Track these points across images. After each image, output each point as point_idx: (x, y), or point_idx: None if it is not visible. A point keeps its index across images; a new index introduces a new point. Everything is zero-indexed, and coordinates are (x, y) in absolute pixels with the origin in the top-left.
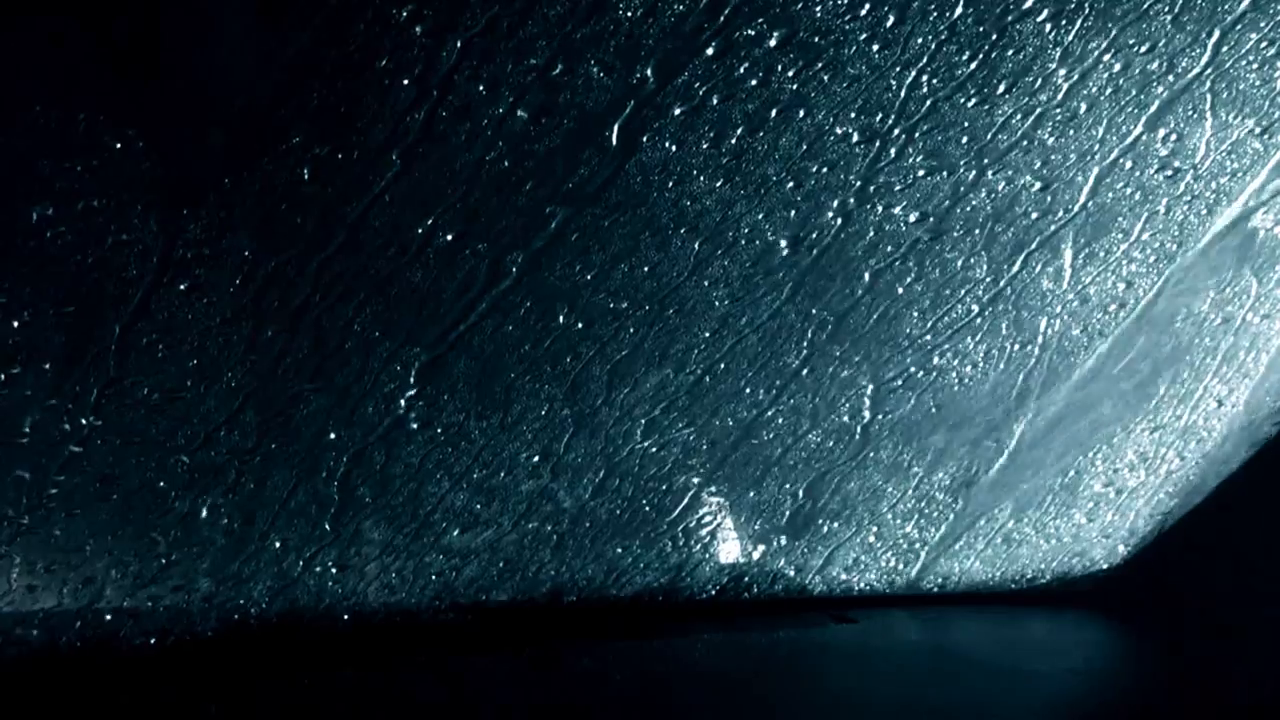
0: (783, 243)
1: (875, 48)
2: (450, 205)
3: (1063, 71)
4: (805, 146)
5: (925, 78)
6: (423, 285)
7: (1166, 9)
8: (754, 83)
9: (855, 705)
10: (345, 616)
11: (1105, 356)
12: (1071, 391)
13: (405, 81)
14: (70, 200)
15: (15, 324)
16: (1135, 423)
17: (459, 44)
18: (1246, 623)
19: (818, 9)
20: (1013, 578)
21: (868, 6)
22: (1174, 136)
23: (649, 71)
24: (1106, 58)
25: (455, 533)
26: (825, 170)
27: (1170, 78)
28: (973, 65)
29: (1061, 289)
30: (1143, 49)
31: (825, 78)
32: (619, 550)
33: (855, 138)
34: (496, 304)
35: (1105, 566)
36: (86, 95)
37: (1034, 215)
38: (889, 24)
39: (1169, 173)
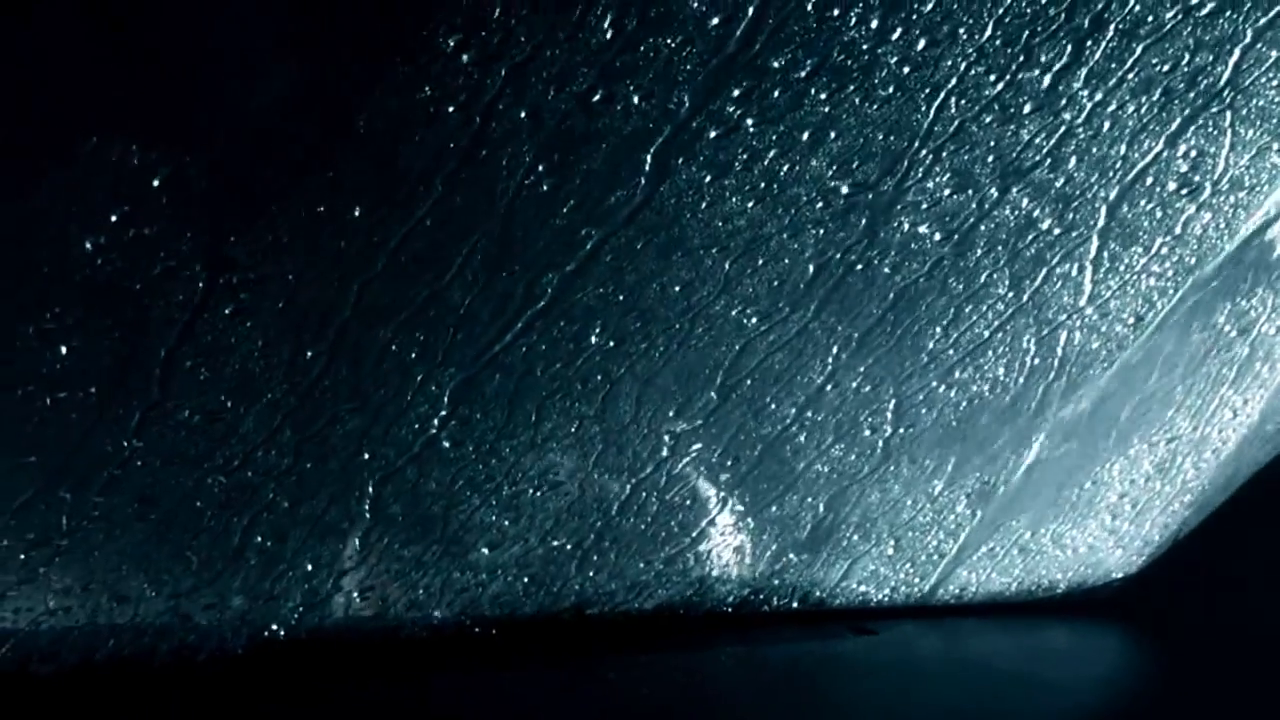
0: (810, 262)
1: (905, 70)
2: (488, 229)
3: (1086, 91)
4: (834, 168)
5: (953, 99)
6: (460, 307)
7: (1188, 29)
8: (786, 107)
9: (875, 717)
10: (374, 632)
11: (1123, 369)
12: (1090, 404)
13: (450, 109)
14: (120, 229)
15: (63, 349)
16: (1152, 434)
17: (504, 72)
18: (1263, 631)
19: (849, 34)
20: (1031, 588)
21: (899, 32)
22: (1194, 152)
23: (685, 97)
24: (1130, 76)
25: (483, 549)
26: (853, 191)
27: (1191, 95)
28: (999, 86)
29: (1081, 303)
30: (1165, 67)
31: (856, 100)
32: (643, 565)
33: (883, 159)
34: (531, 324)
35: (1122, 576)
36: (134, 124)
37: (1056, 231)
38: (919, 48)
39: (1189, 188)
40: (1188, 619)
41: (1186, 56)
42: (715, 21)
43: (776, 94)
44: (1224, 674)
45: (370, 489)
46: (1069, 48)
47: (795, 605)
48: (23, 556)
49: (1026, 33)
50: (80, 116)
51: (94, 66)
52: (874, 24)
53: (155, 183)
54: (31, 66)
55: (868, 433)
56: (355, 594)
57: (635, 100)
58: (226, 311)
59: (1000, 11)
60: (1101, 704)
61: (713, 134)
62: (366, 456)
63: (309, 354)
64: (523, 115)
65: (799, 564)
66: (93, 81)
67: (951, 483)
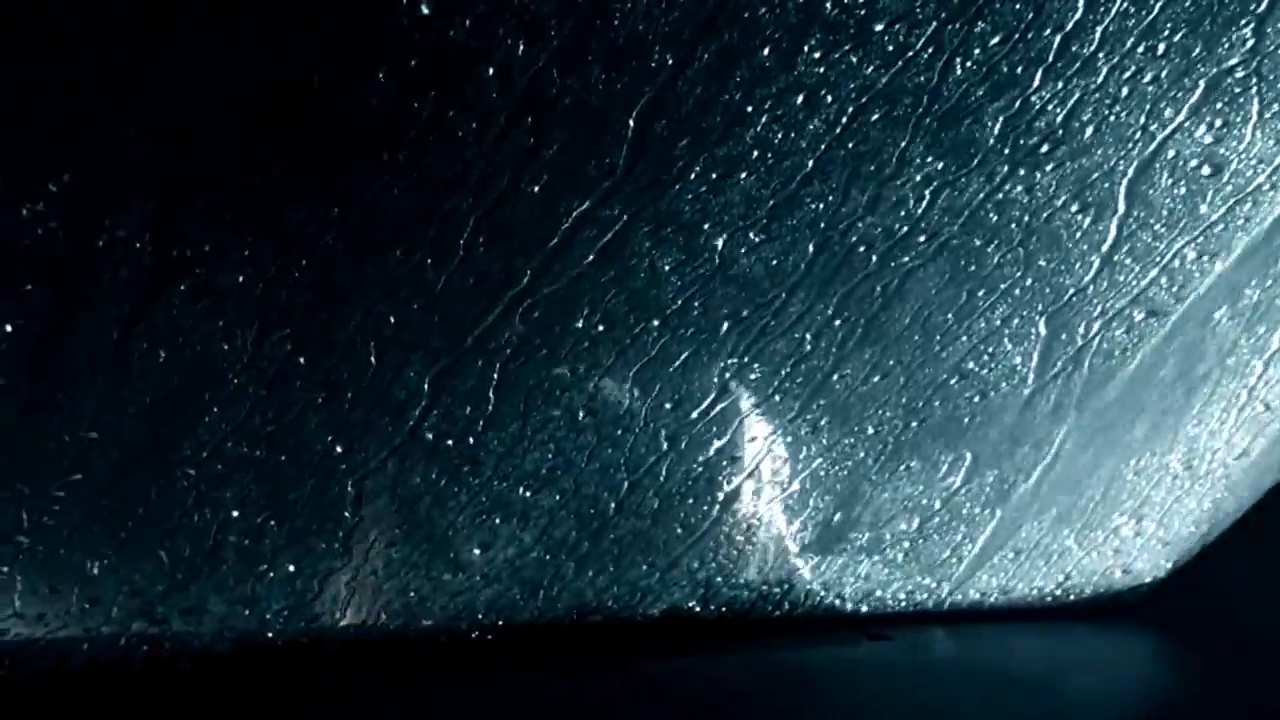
0: (810, 241)
1: (905, 28)
2: (459, 204)
3: (1101, 54)
4: (831, 135)
5: (958, 60)
6: (433, 288)
7: None
8: (776, 67)
9: None
10: (362, 638)
11: (1148, 360)
12: (1113, 397)
13: (411, 65)
14: (59, 194)
15: (8, 328)
16: (1180, 429)
17: (466, 23)
18: None
19: None
20: (1053, 591)
21: None
22: (1219, 123)
23: (666, 55)
24: (1147, 38)
25: (475, 550)
26: (852, 162)
27: (1212, 62)
28: (1005, 48)
29: (1102, 289)
30: (1183, 28)
31: (853, 59)
32: (645, 567)
33: (884, 126)
34: (511, 307)
35: (1149, 579)
36: (70, 77)
37: (1072, 209)
38: (919, 3)
39: (1214, 164)
40: (1218, 624)
41: (1206, 20)
42: None
43: (766, 52)
44: (1256, 681)
45: (350, 485)
46: (1081, 4)
47: (806, 609)
48: None
49: None
50: (10, 71)
51: (32, 25)
52: None
53: (97, 142)
54: None
55: (878, 427)
56: (341, 597)
57: (611, 63)
58: (181, 288)
59: None
60: (1128, 712)
61: (697, 96)
62: (343, 449)
63: (273, 336)
64: (490, 73)
65: (809, 566)
66: (25, 38)
67: (968, 481)
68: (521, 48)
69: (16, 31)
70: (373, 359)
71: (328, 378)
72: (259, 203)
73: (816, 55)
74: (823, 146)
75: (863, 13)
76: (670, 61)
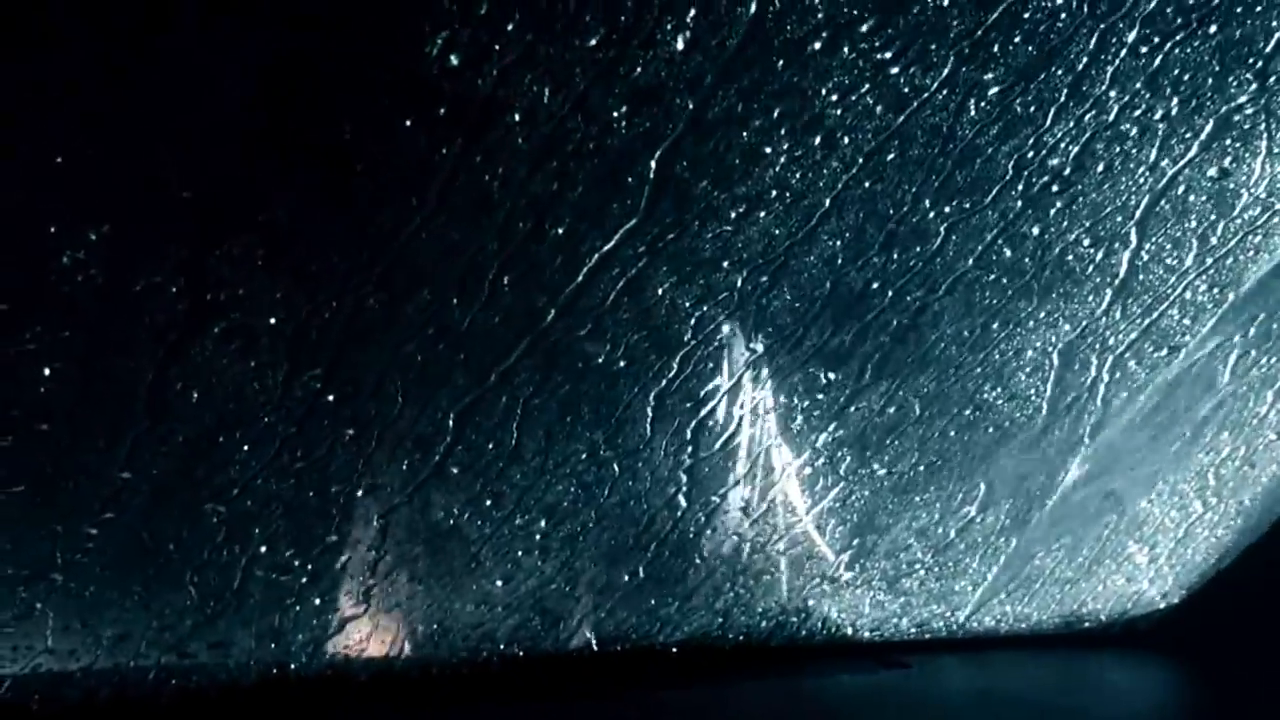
0: (827, 277)
1: (918, 71)
2: (486, 245)
3: (1112, 92)
4: (848, 175)
5: (971, 101)
6: (458, 326)
7: (1215, 27)
8: (795, 109)
9: None
10: (386, 670)
11: (1161, 390)
12: (1126, 427)
13: (441, 113)
14: (100, 241)
15: (45, 371)
16: (1193, 458)
17: (494, 73)
18: None
19: (856, 32)
20: (1068, 619)
21: (910, 29)
22: (1229, 158)
23: (688, 103)
24: (1156, 79)
25: (497, 582)
26: (869, 201)
27: (1221, 99)
28: (1018, 89)
29: (1115, 321)
30: (1193, 65)
31: (869, 101)
32: (665, 597)
33: (899, 166)
34: (534, 344)
35: (1163, 606)
36: (110, 128)
37: (1086, 243)
38: (932, 47)
39: (1224, 198)
40: (1231, 651)
41: (1213, 58)
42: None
43: (784, 94)
44: (1269, 707)
45: (376, 520)
46: (1092, 43)
47: (823, 638)
48: (19, 591)
49: (1044, 28)
50: (53, 123)
51: (67, 65)
52: (879, 21)
53: (135, 192)
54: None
55: (894, 457)
56: (366, 630)
57: (635, 103)
58: (215, 330)
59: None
60: None
61: (717, 137)
62: (371, 484)
63: (304, 376)
64: (516, 119)
65: (826, 595)
66: (65, 83)
67: (983, 510)
68: (546, 95)
69: (49, 85)
70: (399, 397)
71: (355, 416)
72: (290, 247)
73: (834, 98)
74: (839, 186)
75: (879, 56)
76: (690, 105)
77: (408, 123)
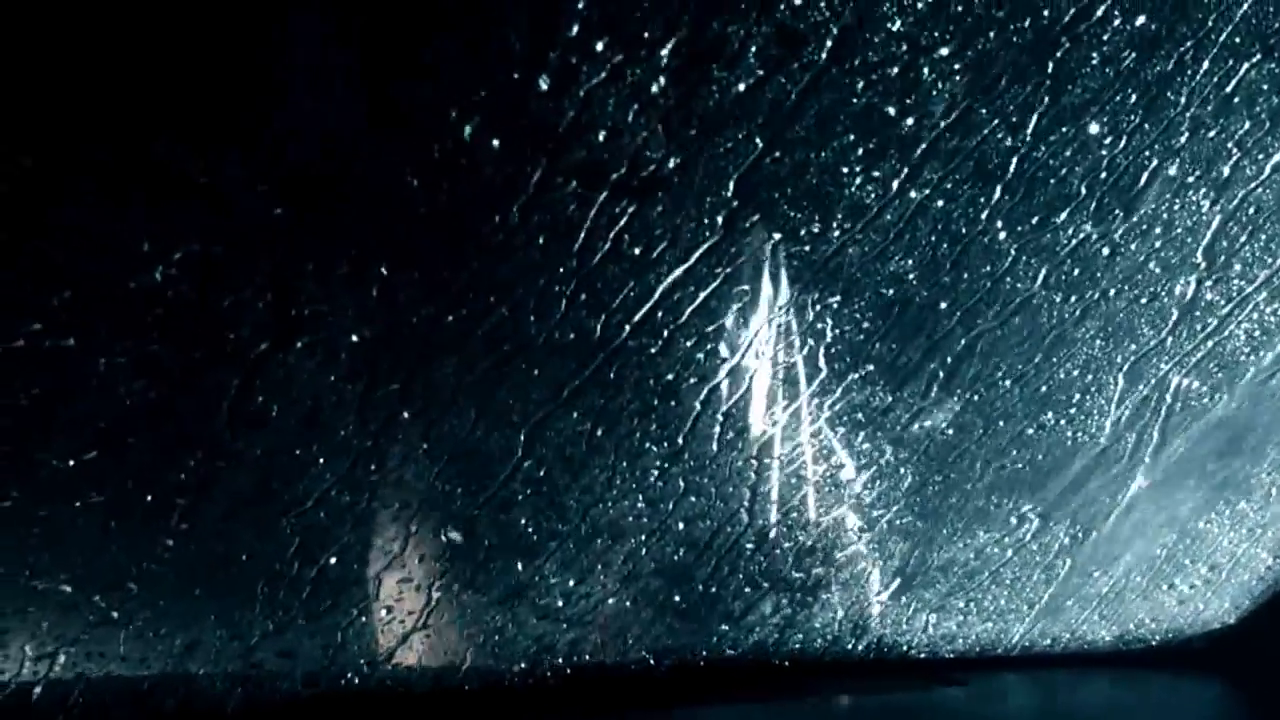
0: (897, 296)
1: (989, 95)
2: (564, 263)
3: (1186, 114)
4: (921, 195)
5: (1044, 124)
6: (534, 343)
7: None
8: (869, 131)
9: None
10: (449, 682)
11: (1223, 412)
12: (1188, 448)
13: (522, 134)
14: (189, 258)
15: (135, 384)
16: (1256, 477)
17: (581, 94)
18: None
19: (941, 51)
20: (1126, 638)
21: (976, 64)
22: None
23: (765, 127)
24: (1230, 100)
25: (558, 596)
26: (939, 221)
27: None
28: (1090, 110)
29: (1181, 341)
30: (1262, 94)
31: (941, 124)
32: (720, 613)
33: (971, 186)
34: (607, 362)
35: (1221, 626)
36: (203, 148)
37: (1152, 265)
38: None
39: None
40: None
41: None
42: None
43: (861, 115)
44: None
45: (445, 534)
46: (1169, 65)
47: (880, 654)
48: (97, 599)
49: (1118, 51)
50: (145, 143)
51: (156, 82)
52: (957, 46)
53: (222, 209)
54: (92, 87)
55: (954, 475)
56: (428, 642)
57: (714, 126)
58: (298, 345)
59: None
60: None
61: (794, 160)
62: (441, 499)
63: (381, 391)
64: (600, 139)
65: (883, 611)
66: (159, 99)
67: (1042, 529)
68: (630, 116)
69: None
70: (473, 412)
71: (430, 431)
72: (371, 265)
73: (909, 120)
74: (913, 206)
75: (954, 80)
76: (769, 127)
77: (494, 143)
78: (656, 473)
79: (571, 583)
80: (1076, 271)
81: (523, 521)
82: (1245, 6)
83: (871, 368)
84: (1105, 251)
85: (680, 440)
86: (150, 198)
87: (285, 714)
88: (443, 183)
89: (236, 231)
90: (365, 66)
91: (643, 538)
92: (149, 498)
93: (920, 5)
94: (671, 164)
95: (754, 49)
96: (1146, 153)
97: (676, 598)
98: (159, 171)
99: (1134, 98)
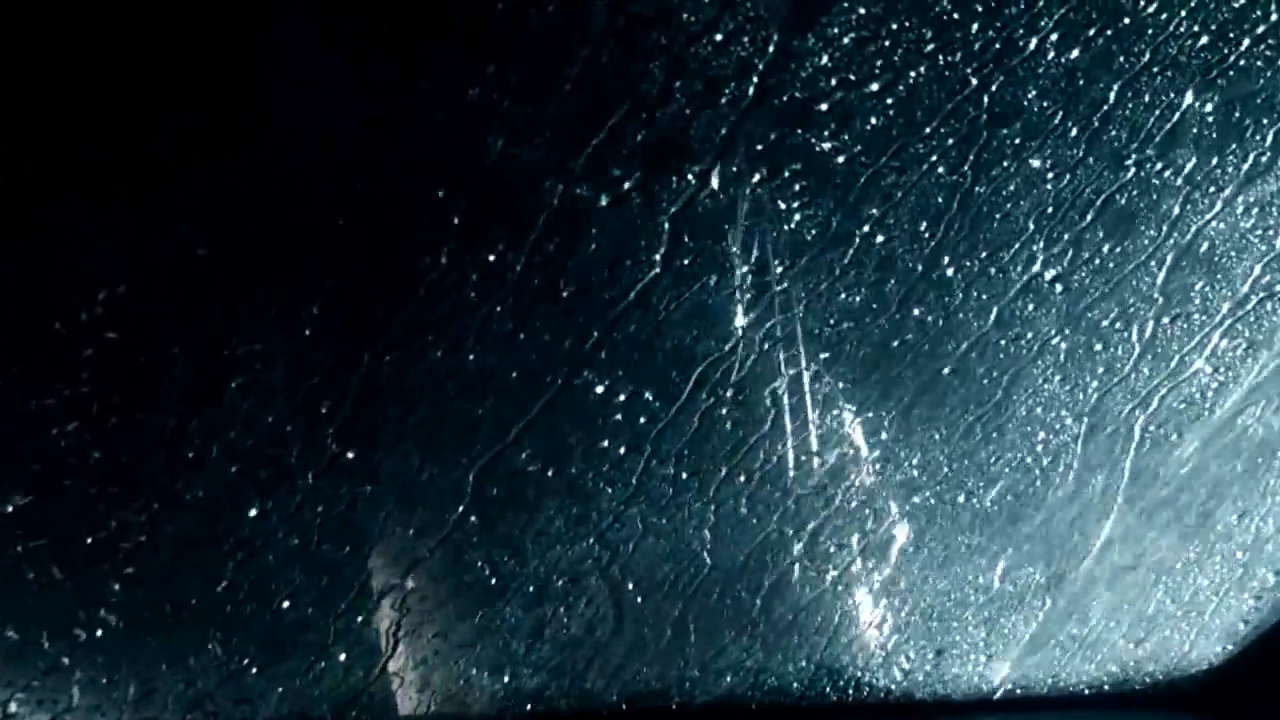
0: (845, 335)
1: (930, 129)
2: (500, 301)
3: (1132, 146)
4: (861, 231)
5: (987, 157)
6: (477, 382)
7: (1230, 81)
8: (804, 169)
9: None
10: None
11: (1195, 449)
12: (1162, 486)
13: (449, 173)
14: (122, 300)
15: (69, 427)
16: (1238, 512)
17: (500, 143)
18: None
19: (873, 86)
20: (1108, 680)
21: (915, 98)
22: (1256, 210)
23: (700, 162)
24: (1177, 132)
25: (520, 640)
26: (887, 258)
27: (1246, 149)
28: (1034, 144)
29: (1145, 377)
30: (1213, 127)
31: (881, 160)
32: (693, 655)
33: (917, 222)
34: (554, 400)
35: (1206, 667)
36: (132, 195)
37: (1110, 301)
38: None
39: (1252, 250)
40: (1273, 714)
41: (1242, 106)
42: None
43: (793, 154)
44: None
45: (398, 577)
46: (1111, 96)
47: (855, 698)
48: (45, 646)
49: (1059, 84)
50: (70, 183)
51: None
52: (890, 78)
53: (158, 251)
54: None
55: (928, 514)
56: (391, 688)
57: (647, 163)
58: (233, 386)
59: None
60: None
61: (730, 196)
62: (391, 541)
63: (324, 432)
64: (531, 179)
65: (857, 654)
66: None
67: (1018, 566)
68: (558, 158)
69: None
70: (419, 453)
71: (376, 471)
72: (307, 303)
73: (842, 158)
74: (856, 242)
75: (891, 115)
76: (701, 165)
77: (429, 181)
78: (612, 516)
79: (533, 625)
80: (1030, 308)
81: (478, 564)
82: (1181, 39)
83: (826, 410)
84: (1058, 289)
85: (634, 481)
86: (77, 238)
87: None
88: (376, 220)
89: (165, 270)
90: (295, 108)
91: (602, 581)
92: (90, 541)
93: (846, 40)
94: (604, 201)
95: (678, 85)
96: (1091, 188)
97: (643, 643)
98: (84, 210)
99: (1074, 131)
